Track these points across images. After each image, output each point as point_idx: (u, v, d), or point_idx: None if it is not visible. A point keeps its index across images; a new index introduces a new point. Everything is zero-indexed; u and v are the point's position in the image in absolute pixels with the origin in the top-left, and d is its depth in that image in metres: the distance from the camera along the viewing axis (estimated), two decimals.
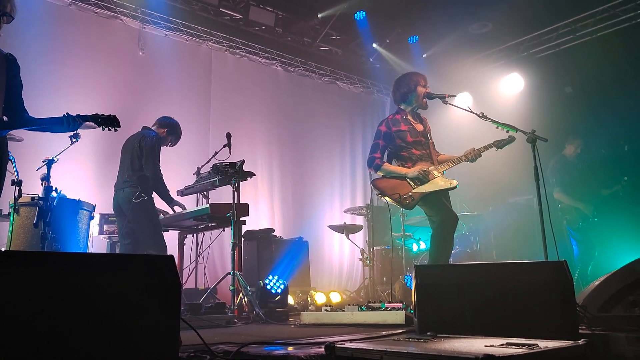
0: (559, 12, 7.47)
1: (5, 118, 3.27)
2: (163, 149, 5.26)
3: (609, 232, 6.08)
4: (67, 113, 3.38)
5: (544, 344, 1.83)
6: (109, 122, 3.58)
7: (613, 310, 3.03)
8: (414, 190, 4.26)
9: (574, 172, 6.45)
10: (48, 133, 3.75)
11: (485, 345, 1.86)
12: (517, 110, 7.26)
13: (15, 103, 3.32)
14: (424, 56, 8.69)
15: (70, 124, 3.36)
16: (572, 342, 1.91)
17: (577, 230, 6.33)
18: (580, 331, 2.63)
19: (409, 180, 4.31)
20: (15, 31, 3.33)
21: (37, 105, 3.71)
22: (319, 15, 7.95)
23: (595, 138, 6.61)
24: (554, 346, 1.82)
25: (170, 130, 5.29)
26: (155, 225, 5.01)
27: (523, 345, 1.81)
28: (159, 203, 5.27)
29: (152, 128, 5.26)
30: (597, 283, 3.23)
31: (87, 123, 4.34)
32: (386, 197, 4.36)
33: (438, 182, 4.31)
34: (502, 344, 1.87)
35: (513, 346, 1.81)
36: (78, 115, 3.42)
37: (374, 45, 8.77)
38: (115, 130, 3.62)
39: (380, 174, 4.46)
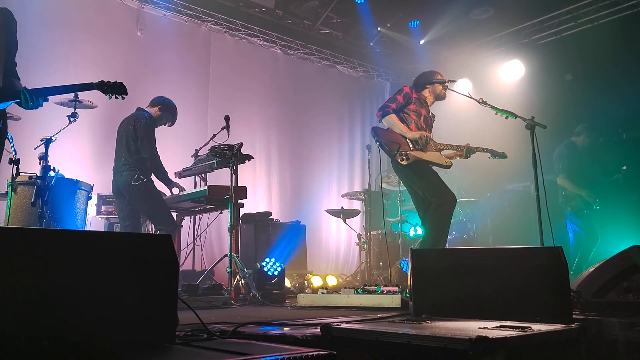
0: None
1: None
2: (160, 130, 5.25)
3: (609, 219, 6.09)
4: (25, 87, 3.12)
5: (537, 327, 1.85)
6: (115, 89, 3.44)
7: (607, 296, 3.05)
8: (411, 152, 4.29)
9: (581, 158, 6.42)
10: (46, 112, 3.70)
11: (479, 328, 1.88)
12: (517, 97, 7.24)
13: (8, 67, 3.13)
14: (420, 42, 8.64)
15: (28, 101, 3.08)
16: (565, 325, 1.93)
17: (580, 218, 6.31)
18: (574, 316, 2.66)
19: (408, 141, 4.34)
20: (12, 9, 3.26)
21: (35, 86, 3.67)
22: None
23: (594, 125, 6.59)
24: (547, 329, 1.84)
25: (163, 108, 5.26)
26: (159, 204, 5.04)
27: (516, 327, 1.83)
28: (157, 184, 5.27)
29: (146, 109, 5.24)
30: (591, 269, 3.26)
31: (85, 102, 4.31)
32: (382, 146, 4.41)
33: (435, 155, 4.36)
34: (496, 326, 1.89)
35: (506, 328, 1.83)
36: (84, 84, 3.32)
37: (379, 28, 8.71)
38: (123, 97, 3.47)
39: (384, 122, 4.50)
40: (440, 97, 4.77)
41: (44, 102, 3.20)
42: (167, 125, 5.39)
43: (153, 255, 2.03)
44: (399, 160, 4.28)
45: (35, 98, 3.10)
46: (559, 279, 2.64)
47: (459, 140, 4.68)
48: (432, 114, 4.77)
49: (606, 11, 7.25)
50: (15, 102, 3.13)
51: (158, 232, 4.99)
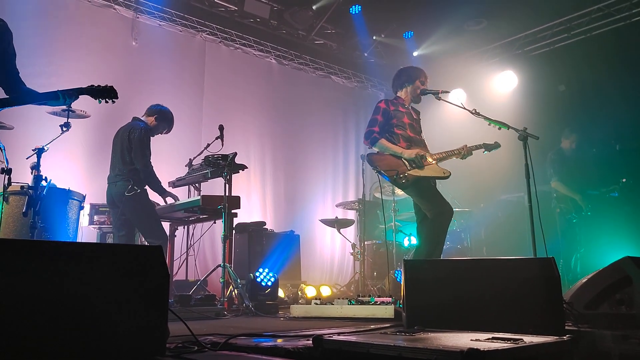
0: (554, 11, 7.48)
1: (1, 92, 3.17)
2: (155, 140, 5.23)
3: (599, 228, 6.10)
4: (61, 90, 3.26)
5: (529, 339, 1.84)
6: (105, 93, 3.40)
7: (600, 308, 3.05)
8: (409, 172, 4.26)
9: (570, 165, 6.46)
10: (39, 122, 3.69)
11: (471, 340, 1.88)
12: (510, 108, 7.27)
13: (10, 74, 3.20)
14: (414, 54, 8.71)
15: (66, 98, 3.25)
16: (558, 337, 1.92)
17: (566, 222, 6.36)
18: (566, 327, 2.66)
19: (404, 161, 4.31)
20: (7, 18, 3.27)
21: None
22: (314, 7, 7.92)
23: (587, 136, 6.64)
24: (539, 341, 1.83)
25: (159, 117, 5.25)
26: (151, 216, 5.02)
27: (508, 339, 1.82)
28: (151, 195, 5.25)
29: (142, 118, 5.24)
30: (584, 280, 3.26)
31: (78, 112, 4.31)
32: (381, 174, 4.36)
33: (432, 169, 4.34)
34: (488, 339, 1.88)
35: (498, 341, 1.82)
36: (74, 89, 3.32)
37: (374, 37, 8.76)
38: (113, 102, 3.42)
39: (375, 149, 4.45)
40: (416, 100, 4.68)
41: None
42: (163, 133, 5.38)
43: (144, 267, 2.02)
44: (401, 183, 4.27)
45: (67, 98, 3.27)
46: (552, 290, 2.64)
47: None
48: (415, 112, 4.68)
49: (599, 22, 7.32)
50: (49, 102, 3.30)
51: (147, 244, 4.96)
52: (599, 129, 6.76)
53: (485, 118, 4.37)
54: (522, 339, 1.83)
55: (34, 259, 1.80)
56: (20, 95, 3.22)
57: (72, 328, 1.78)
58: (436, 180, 4.56)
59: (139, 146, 4.94)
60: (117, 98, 3.43)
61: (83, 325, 1.81)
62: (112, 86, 3.43)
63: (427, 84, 4.66)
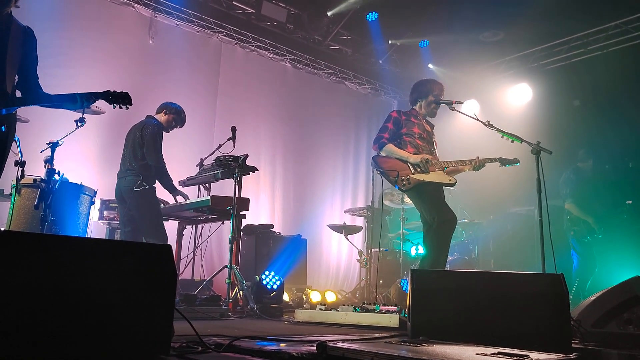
0: (571, 26, 7.45)
1: (18, 93, 3.22)
2: (167, 139, 5.25)
3: (611, 248, 6.04)
4: (79, 93, 3.32)
5: (535, 356, 1.83)
6: (120, 99, 3.45)
7: (607, 327, 3.02)
8: (412, 175, 4.26)
9: (588, 185, 6.38)
10: (54, 116, 3.72)
11: (477, 354, 1.86)
12: (524, 121, 7.23)
13: (29, 78, 3.28)
14: (429, 66, 8.70)
15: (83, 102, 3.31)
16: (564, 355, 1.90)
17: (581, 244, 6.27)
18: (573, 345, 2.63)
19: (410, 165, 4.31)
20: (26, 15, 3.32)
21: (46, 90, 3.70)
22: (329, 13, 7.95)
23: (600, 153, 6.57)
24: (545, 358, 1.82)
25: (167, 111, 5.26)
26: (155, 214, 5.02)
27: (514, 355, 1.81)
28: (161, 192, 5.28)
29: (155, 116, 5.27)
30: (592, 298, 3.23)
31: (94, 108, 4.35)
32: (383, 175, 4.37)
33: (438, 175, 4.32)
34: (494, 353, 1.87)
35: (504, 356, 1.81)
36: (90, 93, 3.37)
37: (390, 41, 8.75)
38: (127, 107, 3.47)
39: (383, 153, 4.47)
40: (431, 114, 4.67)
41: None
42: (177, 127, 5.39)
43: (152, 266, 2.02)
44: (400, 187, 4.27)
45: (85, 101, 3.33)
46: (559, 307, 2.61)
47: None
48: (429, 126, 4.66)
49: (616, 39, 7.28)
50: (65, 105, 3.34)
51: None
52: (613, 145, 6.70)
53: (498, 130, 4.35)
54: (528, 355, 1.82)
55: (43, 252, 1.81)
56: (37, 96, 3.28)
57: (78, 323, 1.79)
58: (444, 189, 4.54)
59: (151, 143, 4.97)
60: (131, 104, 3.48)
61: (89, 321, 1.81)
62: (127, 92, 3.49)
63: (442, 96, 4.64)
